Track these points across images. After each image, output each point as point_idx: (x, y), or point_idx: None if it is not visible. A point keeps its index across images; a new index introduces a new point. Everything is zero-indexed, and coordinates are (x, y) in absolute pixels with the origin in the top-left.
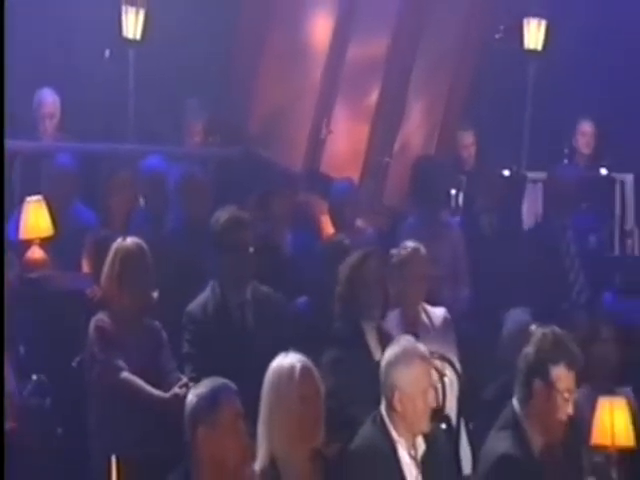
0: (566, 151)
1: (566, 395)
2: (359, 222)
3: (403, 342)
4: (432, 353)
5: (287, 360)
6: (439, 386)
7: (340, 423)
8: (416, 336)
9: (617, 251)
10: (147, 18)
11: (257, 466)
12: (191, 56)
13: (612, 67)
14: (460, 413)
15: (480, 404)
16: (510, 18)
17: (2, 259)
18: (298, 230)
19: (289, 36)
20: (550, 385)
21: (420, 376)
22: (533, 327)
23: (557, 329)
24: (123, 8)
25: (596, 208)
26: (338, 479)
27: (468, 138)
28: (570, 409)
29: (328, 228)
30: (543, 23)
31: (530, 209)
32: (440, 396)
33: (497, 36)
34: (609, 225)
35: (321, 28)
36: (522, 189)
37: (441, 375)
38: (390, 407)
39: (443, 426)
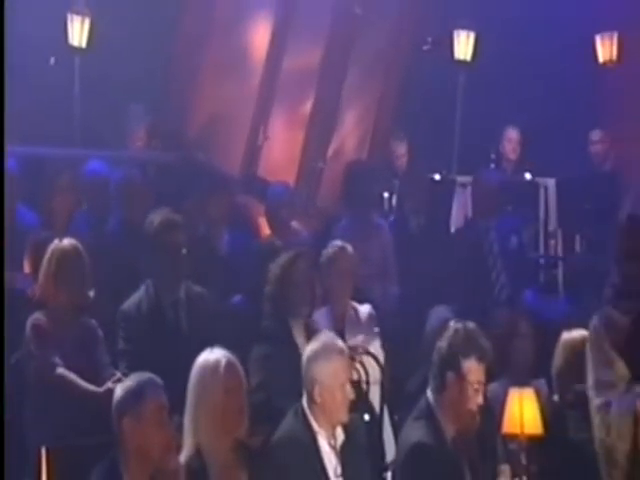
0: (493, 156)
1: (476, 386)
2: (294, 224)
3: (323, 338)
4: (357, 347)
5: (212, 355)
6: (363, 378)
7: (267, 416)
8: (342, 332)
9: (541, 251)
10: (92, 27)
11: (183, 456)
12: (134, 64)
13: (536, 77)
14: (383, 404)
15: (404, 397)
16: (439, 30)
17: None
18: (236, 231)
19: (227, 46)
20: (461, 377)
21: (339, 370)
22: (452, 323)
23: (470, 324)
24: (69, 17)
25: (521, 211)
26: (261, 468)
27: (401, 148)
28: (480, 399)
29: (265, 229)
30: (472, 35)
31: (459, 212)
32: (363, 388)
33: (425, 47)
34: (534, 227)
35: (258, 39)
36: (451, 192)
37: (364, 368)
38: (311, 399)
39: (366, 417)
